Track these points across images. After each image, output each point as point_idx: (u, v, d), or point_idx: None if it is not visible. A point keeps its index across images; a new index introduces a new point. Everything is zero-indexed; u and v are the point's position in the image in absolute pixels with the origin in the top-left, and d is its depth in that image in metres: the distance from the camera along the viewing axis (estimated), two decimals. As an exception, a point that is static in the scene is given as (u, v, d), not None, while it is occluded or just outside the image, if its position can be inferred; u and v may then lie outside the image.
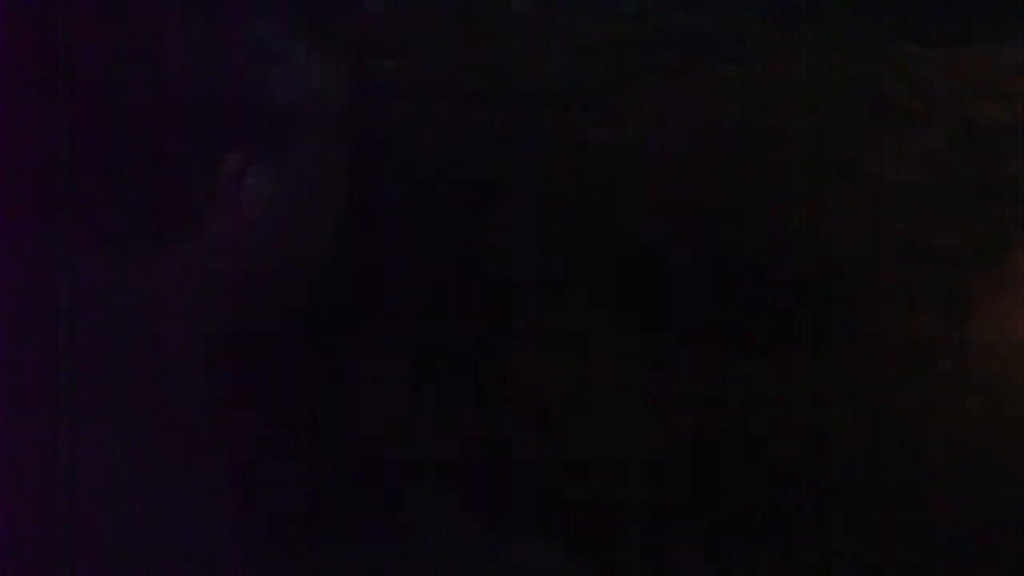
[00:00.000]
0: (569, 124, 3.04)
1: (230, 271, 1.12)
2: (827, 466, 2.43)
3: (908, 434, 2.49)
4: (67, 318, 1.06)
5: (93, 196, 1.08)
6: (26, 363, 1.05)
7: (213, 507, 1.05)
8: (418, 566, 1.44)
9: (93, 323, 1.05)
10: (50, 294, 1.07)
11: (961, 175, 2.86)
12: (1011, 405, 2.60)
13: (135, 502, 1.01)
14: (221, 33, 1.06)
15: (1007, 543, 2.25)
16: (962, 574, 2.23)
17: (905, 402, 2.55)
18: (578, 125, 3.04)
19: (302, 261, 1.17)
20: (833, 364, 2.62)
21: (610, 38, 3.20)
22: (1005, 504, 2.35)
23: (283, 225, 1.13)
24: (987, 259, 2.74)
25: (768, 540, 2.31)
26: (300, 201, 1.14)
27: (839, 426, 2.52)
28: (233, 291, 1.13)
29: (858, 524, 2.31)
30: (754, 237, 2.81)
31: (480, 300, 2.67)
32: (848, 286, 2.73)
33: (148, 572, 1.01)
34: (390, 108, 2.64)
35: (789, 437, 2.49)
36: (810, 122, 2.95)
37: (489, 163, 2.87)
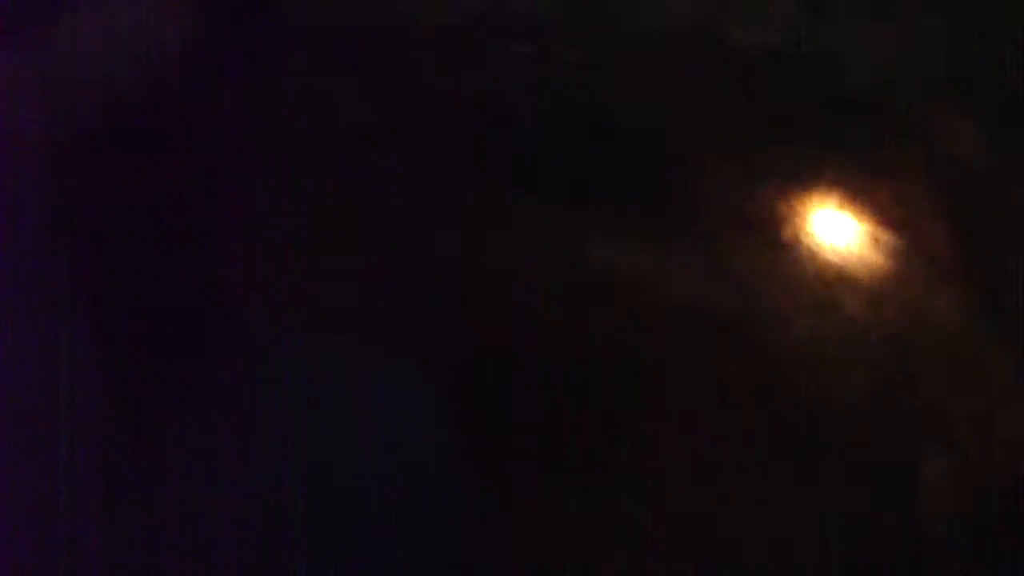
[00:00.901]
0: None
1: (97, 53, 1.14)
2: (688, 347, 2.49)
3: (747, 303, 2.57)
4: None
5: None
6: None
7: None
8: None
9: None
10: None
11: (811, 42, 2.91)
12: (847, 271, 2.69)
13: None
14: None
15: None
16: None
17: (757, 273, 2.61)
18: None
19: (167, 43, 1.20)
20: (683, 233, 2.67)
21: None
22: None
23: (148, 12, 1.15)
24: (831, 127, 2.82)
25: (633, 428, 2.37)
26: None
27: (696, 300, 2.58)
28: (97, 74, 1.15)
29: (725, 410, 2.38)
30: (605, 92, 2.84)
31: (322, 148, 2.66)
32: (700, 157, 2.78)
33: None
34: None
35: (651, 314, 2.54)
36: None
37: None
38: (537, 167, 2.68)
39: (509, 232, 2.58)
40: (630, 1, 2.99)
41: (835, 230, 2.47)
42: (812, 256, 2.46)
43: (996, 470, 2.24)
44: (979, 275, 2.56)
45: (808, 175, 2.54)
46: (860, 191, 2.50)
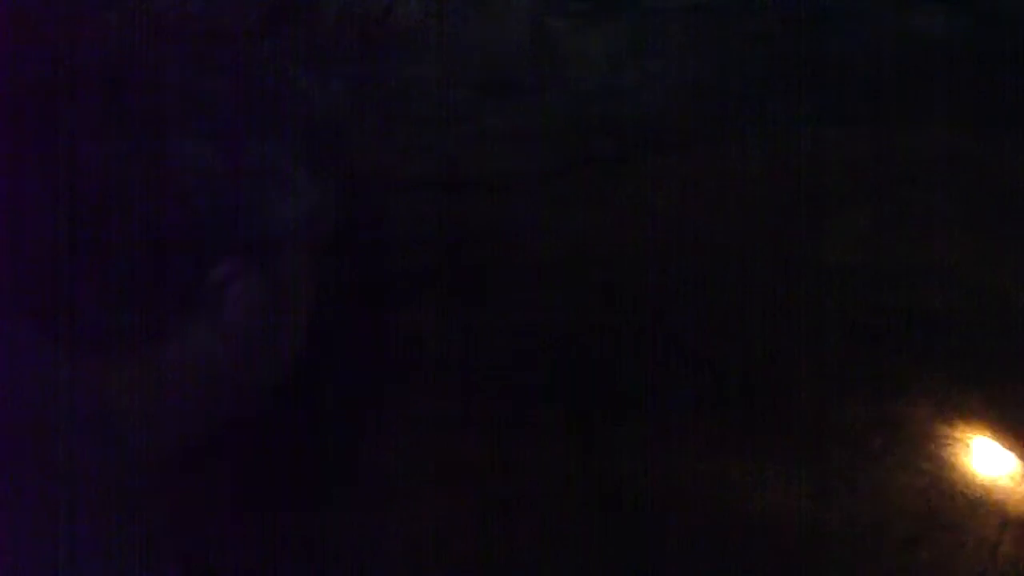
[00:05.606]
0: (511, 211, 3.10)
1: (206, 371, 1.17)
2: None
3: (843, 513, 2.55)
4: (57, 415, 1.10)
5: (88, 298, 1.12)
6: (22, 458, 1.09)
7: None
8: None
9: (79, 420, 1.09)
10: (38, 392, 1.11)
11: (888, 257, 2.93)
12: (942, 479, 2.66)
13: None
14: (229, 153, 1.11)
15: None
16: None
17: (840, 483, 2.60)
18: (520, 212, 3.10)
19: (274, 363, 1.23)
20: (770, 449, 2.67)
21: (544, 128, 3.27)
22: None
23: (259, 330, 1.19)
24: (915, 341, 2.81)
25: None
26: (277, 311, 1.19)
27: (775, 505, 2.57)
28: (206, 391, 1.18)
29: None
30: (693, 323, 2.87)
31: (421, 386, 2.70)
32: (786, 369, 2.79)
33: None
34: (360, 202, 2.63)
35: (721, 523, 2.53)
36: (746, 208, 3.01)
37: (439, 248, 2.92)
38: (632, 390, 2.67)
39: (610, 458, 2.56)
40: (707, 221, 3.00)
41: (929, 440, 2.45)
42: (905, 466, 2.44)
43: None
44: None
45: (897, 388, 2.53)
46: (950, 401, 2.48)
